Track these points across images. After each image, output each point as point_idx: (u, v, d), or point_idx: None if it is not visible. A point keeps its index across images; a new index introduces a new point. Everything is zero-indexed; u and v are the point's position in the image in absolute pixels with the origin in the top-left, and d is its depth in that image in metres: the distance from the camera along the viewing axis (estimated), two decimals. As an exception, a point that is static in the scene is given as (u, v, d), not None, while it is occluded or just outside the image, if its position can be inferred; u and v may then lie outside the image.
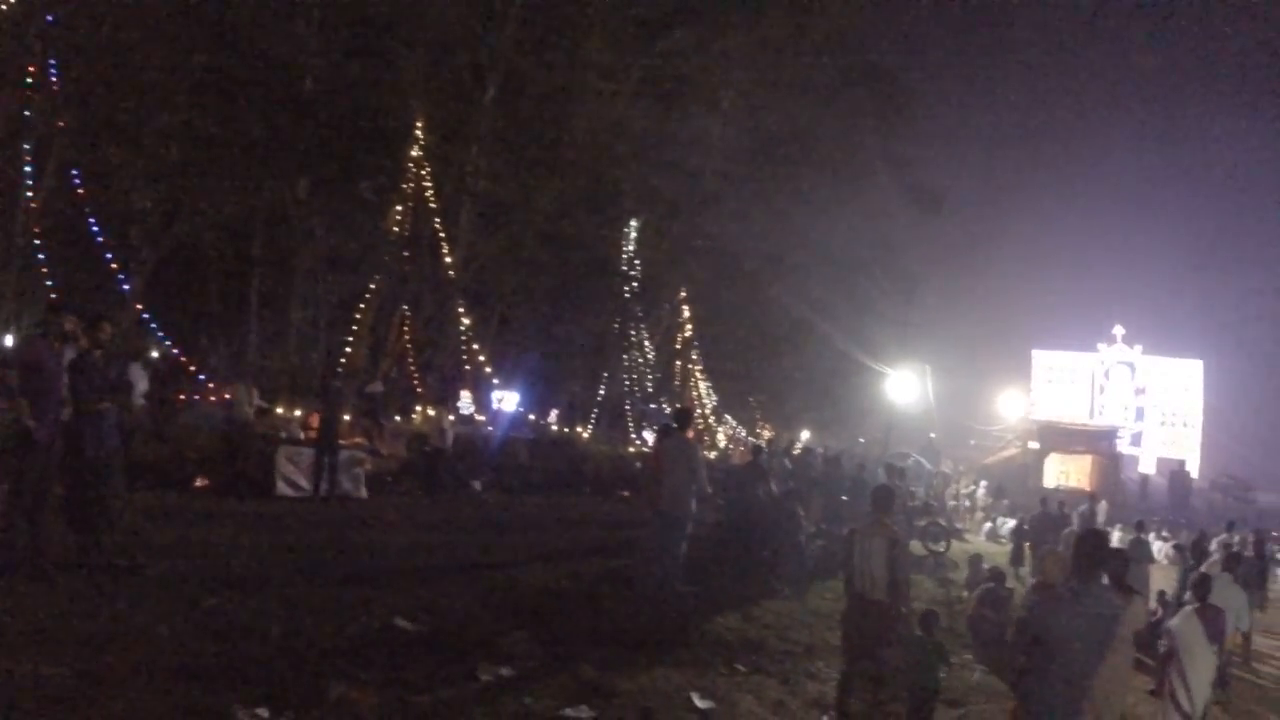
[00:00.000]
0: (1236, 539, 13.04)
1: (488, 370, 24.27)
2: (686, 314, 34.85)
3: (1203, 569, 10.22)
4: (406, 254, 22.74)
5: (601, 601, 8.96)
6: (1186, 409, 58.47)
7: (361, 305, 21.72)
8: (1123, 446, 54.48)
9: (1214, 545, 13.53)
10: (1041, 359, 58.88)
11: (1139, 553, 12.57)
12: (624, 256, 30.15)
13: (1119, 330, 58.31)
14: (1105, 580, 4.97)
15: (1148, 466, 54.60)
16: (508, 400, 25.53)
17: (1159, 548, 17.70)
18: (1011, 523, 22.18)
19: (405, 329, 23.65)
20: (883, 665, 6.79)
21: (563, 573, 10.14)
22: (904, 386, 30.54)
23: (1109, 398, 58.06)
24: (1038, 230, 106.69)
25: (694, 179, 29.59)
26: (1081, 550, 4.61)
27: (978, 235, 64.86)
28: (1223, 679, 8.29)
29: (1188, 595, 7.92)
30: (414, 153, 22.33)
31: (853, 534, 7.04)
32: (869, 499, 7.82)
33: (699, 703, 6.50)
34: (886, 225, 36.31)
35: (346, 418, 16.48)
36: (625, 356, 31.50)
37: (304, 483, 13.70)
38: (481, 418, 23.98)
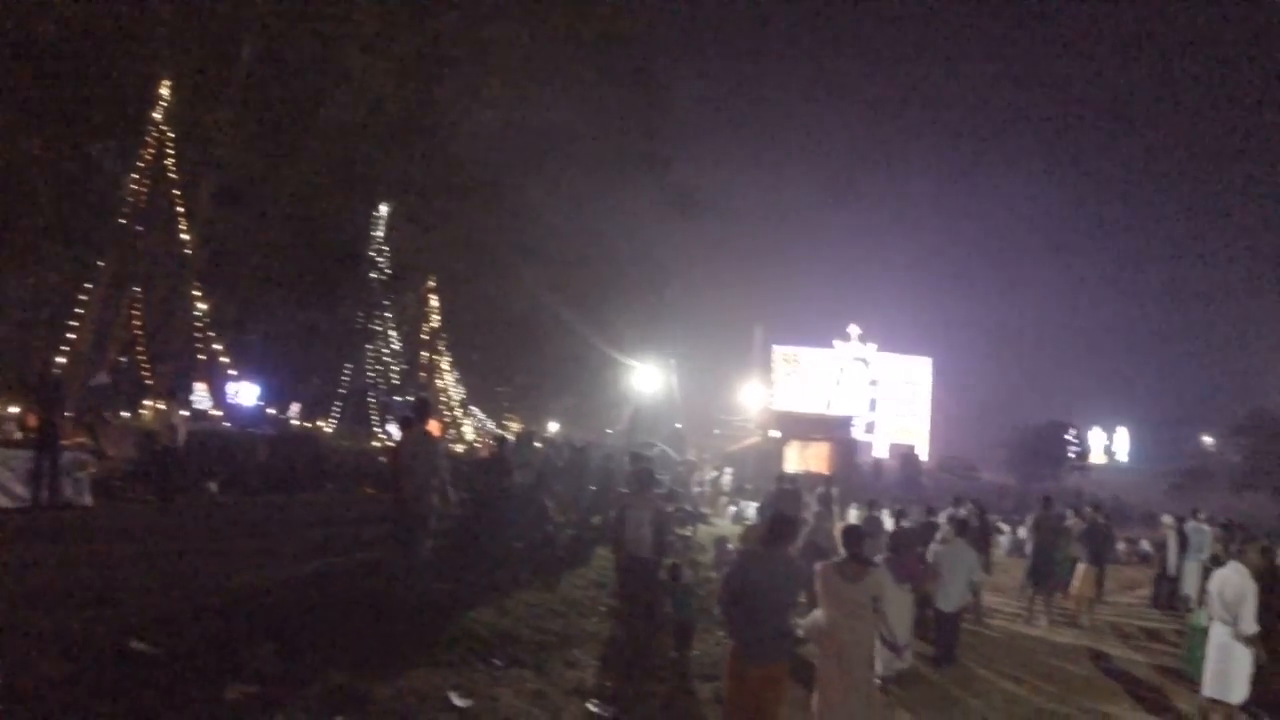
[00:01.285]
0: (963, 511, 15.41)
1: (225, 361, 23.40)
2: (435, 303, 35.13)
3: (938, 538, 12.28)
4: (140, 228, 21.17)
5: (350, 604, 8.67)
6: (916, 400, 65.66)
7: (88, 285, 20.04)
8: (858, 434, 60.08)
9: (942, 517, 16.03)
10: (782, 354, 64.33)
11: (872, 528, 14.57)
12: (374, 242, 30.15)
13: (854, 329, 64.80)
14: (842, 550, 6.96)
15: (881, 451, 60.85)
16: (245, 393, 25.16)
17: (892, 524, 20.46)
18: (755, 505, 23.44)
19: (135, 313, 22.34)
20: (654, 605, 9.50)
21: (308, 577, 9.78)
22: (651, 378, 32.53)
23: (845, 390, 64.09)
24: (783, 234, 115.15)
25: (452, 166, 29.59)
26: (773, 527, 6.56)
27: (728, 236, 69.39)
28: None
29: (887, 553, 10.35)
30: (156, 115, 21.01)
31: (623, 508, 9.34)
32: (631, 482, 10.47)
33: (457, 701, 6.67)
34: (640, 222, 38.01)
35: (68, 415, 15.29)
36: (370, 347, 31.42)
37: (21, 490, 12.67)
38: (218, 413, 23.28)
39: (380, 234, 30.73)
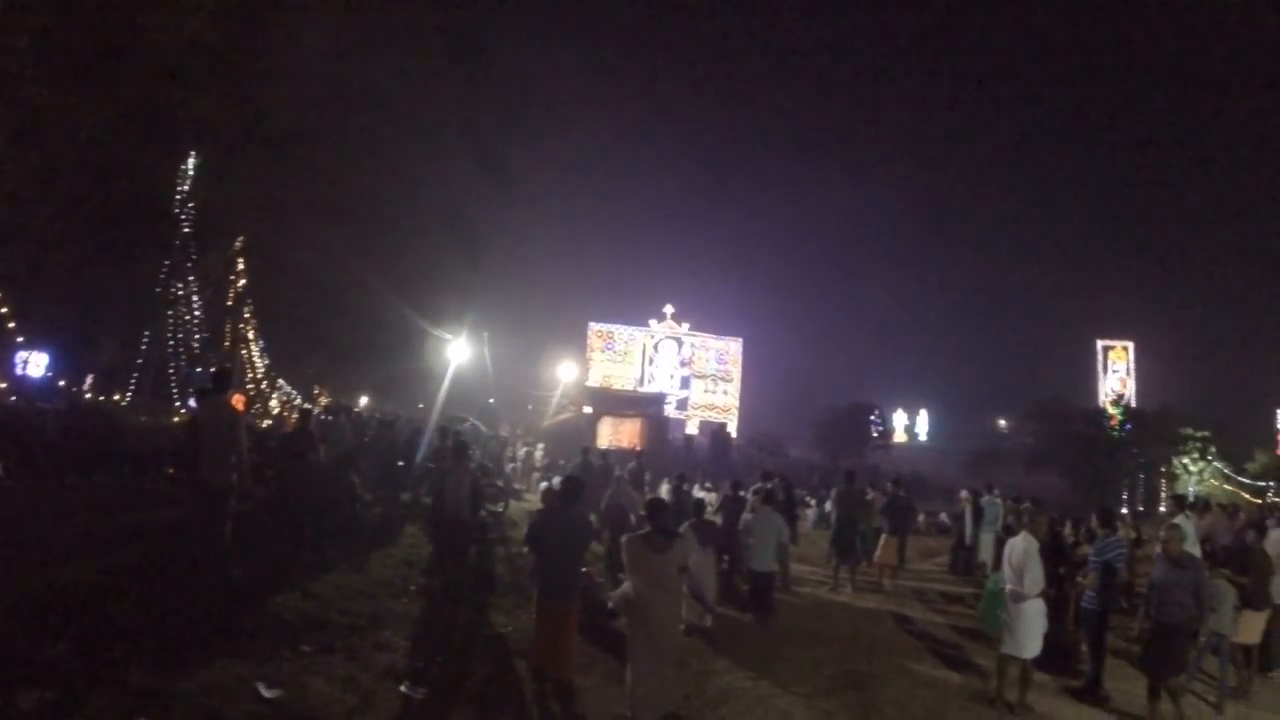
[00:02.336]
0: (769, 485, 16.07)
1: (10, 326, 22.08)
2: (241, 266, 33.94)
3: (749, 506, 13.09)
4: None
5: (148, 595, 8.01)
6: (728, 379, 67.80)
7: None
8: (670, 411, 61.70)
9: (749, 492, 16.79)
10: (597, 331, 65.09)
11: (684, 501, 15.07)
12: (178, 196, 28.49)
13: (669, 309, 66.07)
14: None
15: (692, 428, 62.52)
16: (34, 364, 23.61)
17: (701, 494, 21.05)
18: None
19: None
20: (464, 559, 10.66)
21: (103, 567, 8.88)
22: (464, 351, 32.01)
23: (658, 368, 65.24)
24: (602, 213, 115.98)
25: (263, 116, 27.56)
26: (565, 488, 7.85)
27: (547, 211, 69.38)
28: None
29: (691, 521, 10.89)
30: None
31: (443, 475, 10.62)
32: (450, 455, 11.40)
33: (265, 692, 6.46)
34: (456, 191, 37.21)
35: None
36: (171, 313, 29.89)
37: None
38: (2, 385, 21.97)
39: (185, 188, 29.04)
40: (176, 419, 25.56)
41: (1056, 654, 9.72)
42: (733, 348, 67.47)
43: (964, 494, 18.71)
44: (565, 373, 52.27)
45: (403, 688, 7.25)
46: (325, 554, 11.24)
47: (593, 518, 11.82)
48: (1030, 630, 8.47)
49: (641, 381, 63.26)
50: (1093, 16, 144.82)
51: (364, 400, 38.95)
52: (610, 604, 7.54)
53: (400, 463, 17.20)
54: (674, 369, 65.61)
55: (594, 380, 59.66)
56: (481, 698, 7.53)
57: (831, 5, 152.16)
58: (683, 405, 64.36)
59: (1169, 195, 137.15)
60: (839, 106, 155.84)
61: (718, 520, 13.76)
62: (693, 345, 66.32)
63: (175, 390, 29.03)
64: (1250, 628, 9.68)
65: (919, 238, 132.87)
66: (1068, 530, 11.76)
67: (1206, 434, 49.86)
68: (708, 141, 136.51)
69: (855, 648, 10.59)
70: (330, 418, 20.32)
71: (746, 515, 12.90)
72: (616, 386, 59.86)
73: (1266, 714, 9.25)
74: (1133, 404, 60.93)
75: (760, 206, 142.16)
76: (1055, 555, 10.22)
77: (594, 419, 46.86)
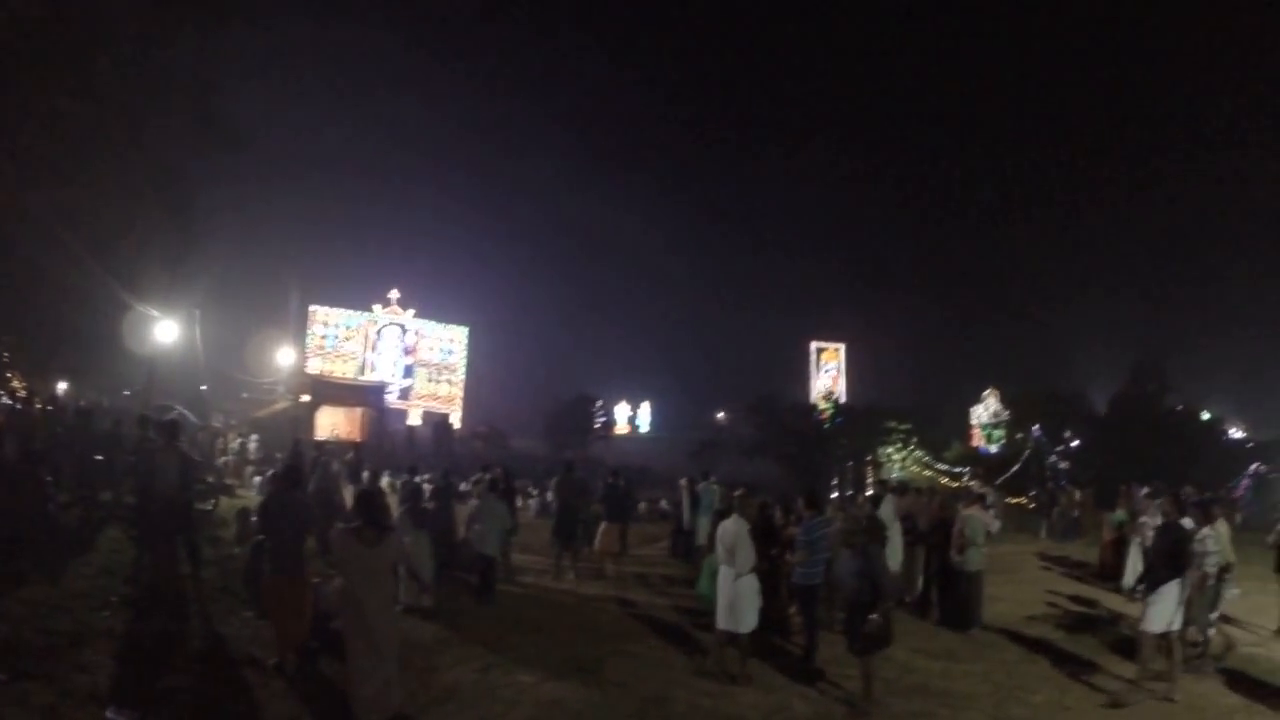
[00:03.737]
0: (490, 476, 15.97)
1: None
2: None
3: (475, 494, 13.41)
4: None
5: None
6: (452, 368, 66.65)
7: None
8: (392, 401, 59.98)
9: (468, 484, 16.74)
10: (319, 315, 61.99)
11: (407, 493, 14.77)
12: None
13: (394, 294, 63.96)
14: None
15: (415, 419, 61.11)
16: None
17: (429, 489, 20.64)
18: None
19: None
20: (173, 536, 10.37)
21: None
22: (172, 332, 29.56)
23: (381, 355, 63.14)
24: (329, 191, 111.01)
25: None
26: (286, 474, 8.84)
27: (275, 181, 64.90)
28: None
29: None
30: None
31: (151, 456, 10.32)
32: (159, 435, 10.99)
33: None
34: (168, 146, 34.18)
35: None
36: None
37: None
38: None
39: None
40: None
41: (772, 628, 10.25)
42: (459, 336, 66.60)
43: (683, 481, 19.39)
44: (284, 358, 49.74)
45: (109, 713, 6.65)
46: (14, 565, 9.86)
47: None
48: (745, 606, 8.87)
49: (363, 370, 61.22)
50: (781, 21, 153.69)
51: (62, 386, 35.08)
52: (321, 604, 7.20)
53: (99, 457, 15.56)
54: (397, 357, 63.85)
55: (314, 367, 57.18)
56: (197, 712, 7.08)
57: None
58: (405, 395, 62.92)
59: (880, 212, 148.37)
60: (572, 91, 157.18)
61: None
62: (417, 333, 64.77)
63: None
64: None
65: (648, 236, 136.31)
66: (778, 513, 12.42)
67: (909, 426, 54.79)
68: (439, 123, 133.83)
69: (580, 633, 10.75)
70: (20, 406, 18.29)
71: (474, 502, 13.55)
72: (337, 374, 57.72)
73: (967, 665, 10.15)
74: (843, 399, 65.66)
75: (492, 193, 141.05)
76: (766, 536, 10.76)
77: (312, 408, 45.22)
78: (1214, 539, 9.60)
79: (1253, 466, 40.07)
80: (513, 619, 11.26)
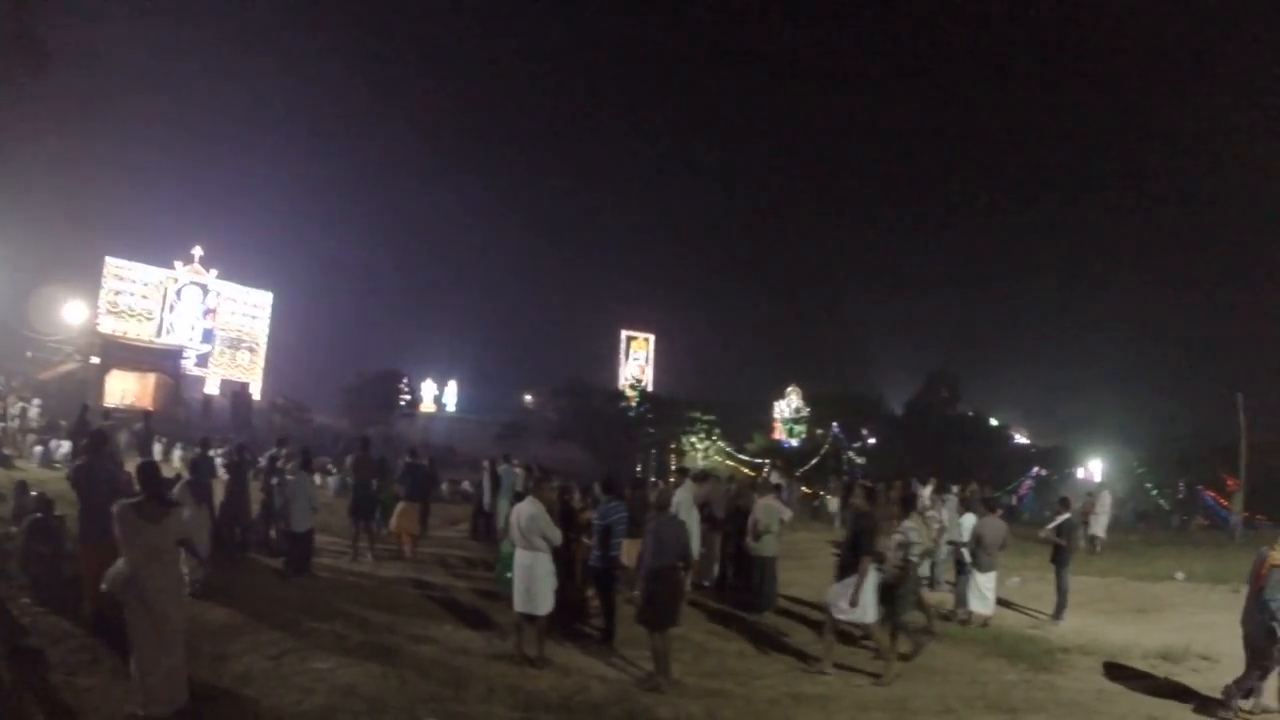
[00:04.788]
0: (284, 452, 15.52)
1: None
2: None
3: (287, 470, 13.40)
4: None
5: None
6: (254, 335, 63.72)
7: None
8: (189, 367, 57.06)
9: (264, 459, 16.24)
10: (114, 268, 57.19)
11: (202, 468, 14.24)
12: None
13: (198, 251, 59.78)
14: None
15: (212, 388, 58.08)
16: None
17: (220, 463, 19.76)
18: (67, 445, 21.53)
19: None
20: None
21: None
22: None
23: (179, 317, 59.20)
24: (135, 128, 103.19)
25: None
26: (92, 441, 9.30)
27: (79, 110, 59.10)
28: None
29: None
30: None
31: None
32: None
33: None
34: None
35: None
36: None
37: None
38: None
39: None
40: None
41: (569, 610, 10.43)
42: (263, 301, 63.85)
43: (485, 463, 19.43)
44: (73, 315, 46.32)
45: None
46: None
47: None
48: (542, 589, 8.98)
49: (160, 331, 57.61)
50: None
51: None
52: (104, 586, 6.77)
53: None
54: (197, 319, 60.35)
55: (106, 326, 53.25)
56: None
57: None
58: (203, 361, 59.79)
59: (696, 207, 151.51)
60: (395, 62, 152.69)
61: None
62: (219, 295, 61.53)
63: None
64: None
65: (463, 215, 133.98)
66: (576, 496, 12.67)
67: (712, 418, 56.56)
68: (262, 78, 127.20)
69: (378, 617, 10.62)
70: None
71: (289, 478, 13.48)
72: (131, 335, 54.08)
73: (762, 646, 10.69)
74: (649, 388, 66.90)
75: (307, 157, 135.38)
76: (564, 519, 10.86)
77: (102, 372, 42.65)
78: (915, 530, 10.16)
79: (1034, 469, 43.74)
80: (308, 602, 11.04)
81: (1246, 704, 8.60)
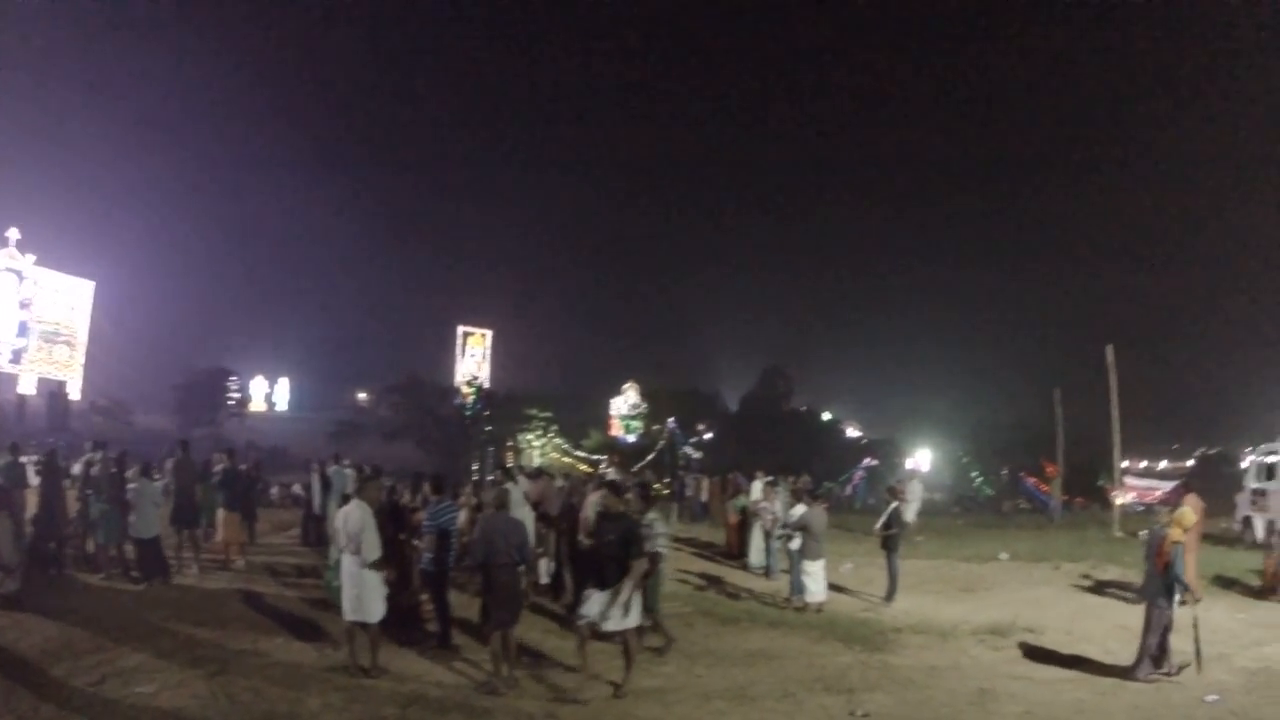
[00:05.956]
0: (99, 457, 14.57)
1: None
2: None
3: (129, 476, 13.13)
4: None
5: None
6: (73, 329, 59.13)
7: None
8: (1, 365, 53.59)
9: (79, 465, 15.39)
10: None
11: (10, 476, 13.27)
12: None
13: (13, 234, 54.55)
14: None
15: (28, 387, 54.26)
16: None
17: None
18: None
19: None
20: None
21: None
22: None
23: (-7, 307, 55.27)
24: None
25: None
26: None
27: None
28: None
29: None
30: None
31: None
32: None
33: None
34: None
35: None
36: None
37: None
38: None
39: None
40: None
41: (403, 616, 10.32)
42: (84, 291, 59.82)
43: (315, 464, 18.98)
44: None
45: None
46: None
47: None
48: (372, 595, 8.78)
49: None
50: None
51: None
52: None
53: None
54: (11, 310, 55.56)
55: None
56: None
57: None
58: (17, 357, 55.43)
59: (529, 200, 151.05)
60: (230, 50, 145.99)
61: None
62: (37, 283, 56.81)
63: None
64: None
65: (295, 207, 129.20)
66: (406, 497, 12.54)
67: (549, 414, 56.50)
68: (85, 42, 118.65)
69: (205, 634, 10.26)
70: None
71: (132, 485, 13.21)
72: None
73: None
74: (486, 385, 66.13)
75: (133, 141, 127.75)
76: (394, 520, 10.80)
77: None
78: (659, 522, 10.38)
79: (865, 461, 45.96)
80: (130, 621, 10.59)
81: (1161, 670, 9.39)
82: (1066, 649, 10.82)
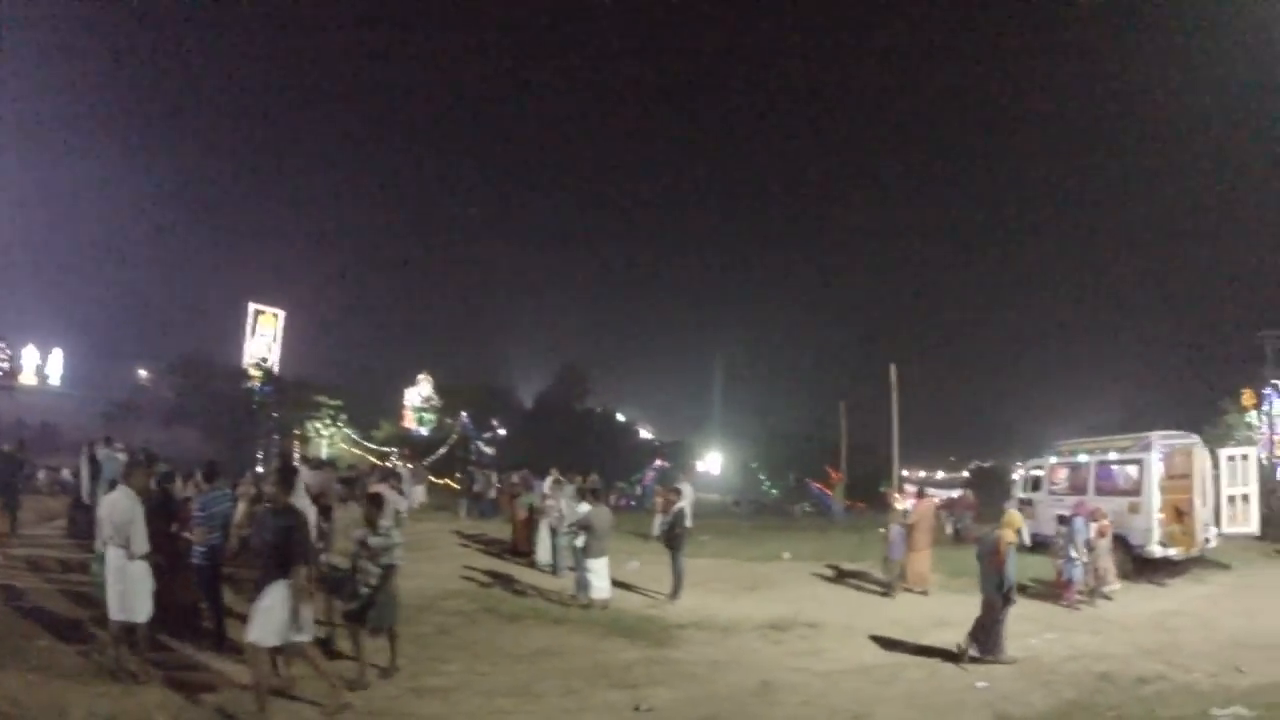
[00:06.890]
0: None
1: None
2: None
3: None
4: None
5: None
6: None
7: None
8: None
9: None
10: None
11: None
12: None
13: None
14: None
15: None
16: None
17: None
18: None
19: None
20: None
21: None
22: None
23: None
24: None
25: None
26: None
27: None
28: None
29: None
30: None
31: None
32: None
33: None
34: None
35: None
36: None
37: None
38: None
39: None
40: None
41: (178, 612, 9.80)
42: None
43: (85, 447, 17.60)
44: None
45: None
46: None
47: None
48: (139, 591, 8.30)
49: None
50: None
51: None
52: None
53: None
54: None
55: None
56: None
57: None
58: None
59: (330, 183, 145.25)
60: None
61: None
62: None
63: None
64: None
65: (78, 165, 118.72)
66: (179, 485, 11.96)
67: (339, 403, 54.64)
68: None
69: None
70: None
71: None
72: None
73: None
74: (276, 368, 63.12)
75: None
76: (166, 511, 10.18)
77: None
78: (397, 531, 9.73)
79: (656, 461, 47.46)
80: None
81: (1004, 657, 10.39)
82: (846, 642, 11.54)
